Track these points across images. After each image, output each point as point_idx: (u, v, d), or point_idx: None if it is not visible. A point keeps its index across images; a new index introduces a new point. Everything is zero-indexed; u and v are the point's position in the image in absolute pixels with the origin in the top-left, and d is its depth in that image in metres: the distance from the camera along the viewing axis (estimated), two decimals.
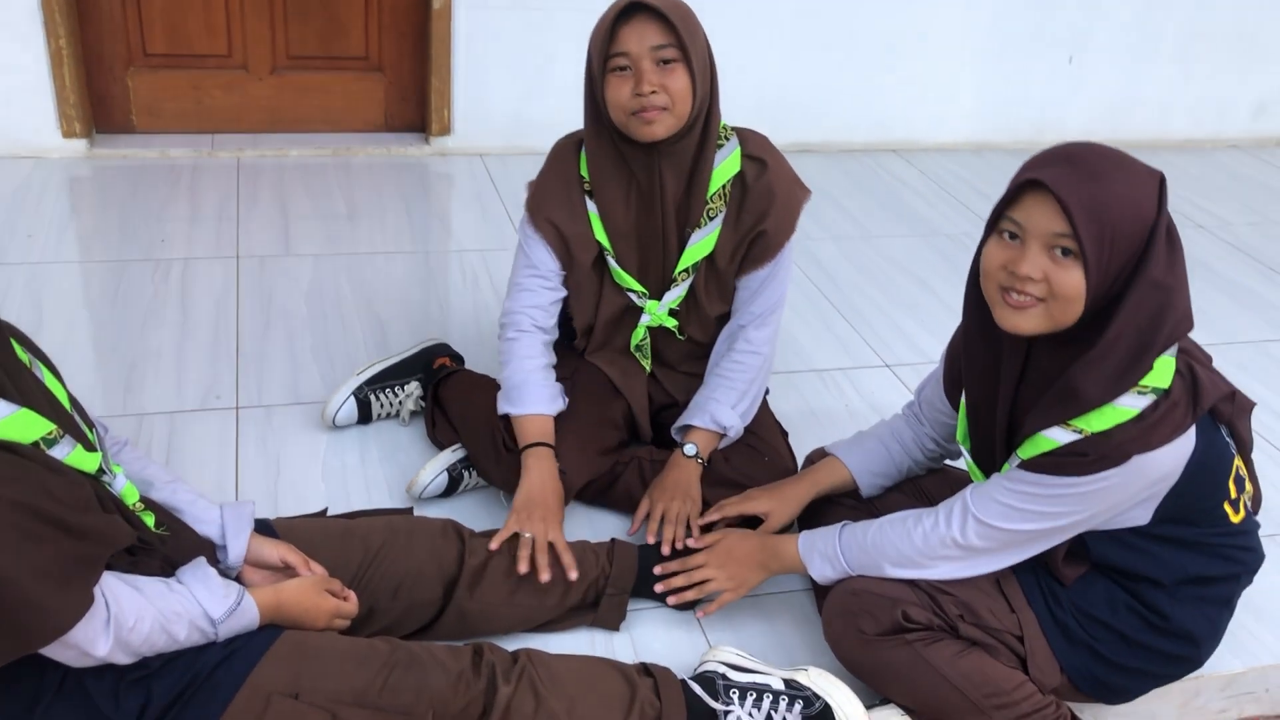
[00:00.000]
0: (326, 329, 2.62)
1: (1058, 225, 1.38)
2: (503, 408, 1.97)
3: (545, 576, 1.76)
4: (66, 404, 1.42)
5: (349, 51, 3.58)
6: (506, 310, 2.03)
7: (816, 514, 1.92)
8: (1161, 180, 1.41)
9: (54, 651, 1.30)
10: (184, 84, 3.51)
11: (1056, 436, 1.45)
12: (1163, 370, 1.44)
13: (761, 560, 1.78)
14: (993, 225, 1.47)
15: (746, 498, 1.92)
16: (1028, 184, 1.40)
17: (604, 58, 1.76)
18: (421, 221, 3.25)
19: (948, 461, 1.94)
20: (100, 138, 3.49)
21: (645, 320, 2.02)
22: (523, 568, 1.75)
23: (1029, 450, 1.50)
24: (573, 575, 1.78)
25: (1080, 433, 1.44)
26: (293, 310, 2.68)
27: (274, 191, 3.31)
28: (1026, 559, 1.60)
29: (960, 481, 1.90)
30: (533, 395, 1.95)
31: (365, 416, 2.26)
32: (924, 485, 1.92)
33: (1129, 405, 1.42)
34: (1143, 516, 1.54)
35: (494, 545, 1.78)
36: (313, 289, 2.79)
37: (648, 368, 2.09)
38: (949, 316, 2.92)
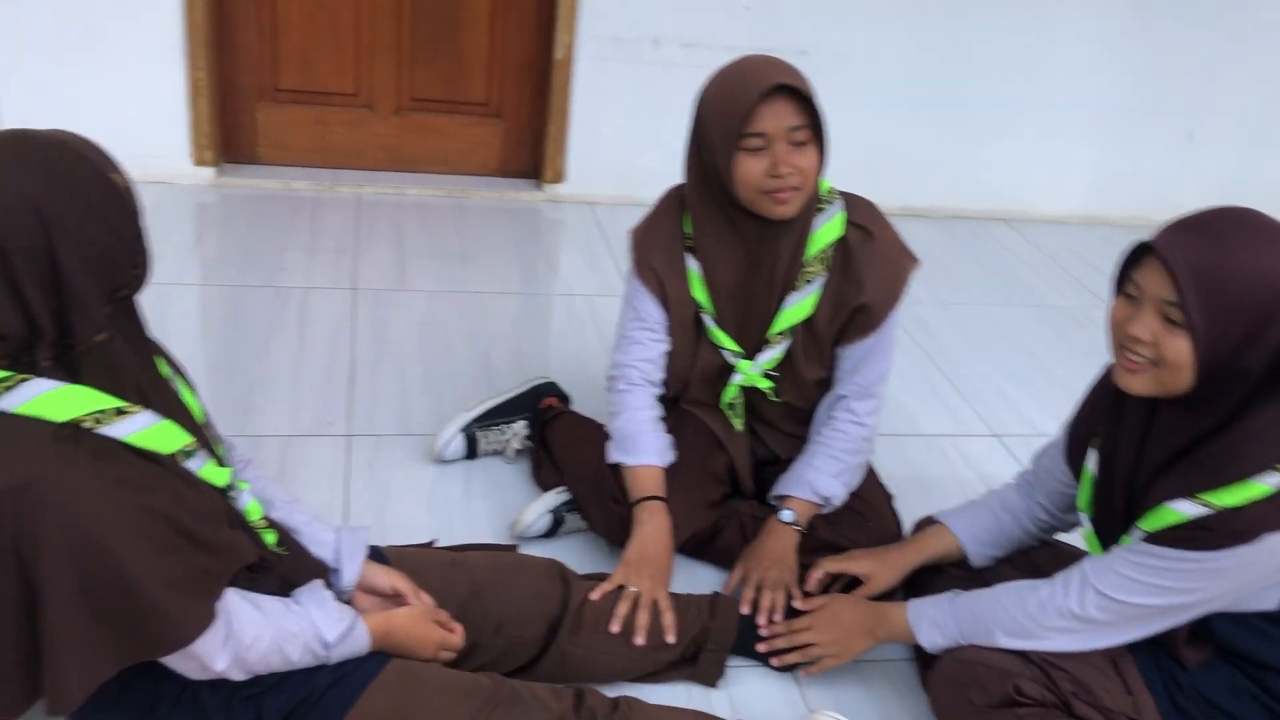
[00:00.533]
0: (436, 364, 2.66)
1: (1167, 292, 1.37)
2: (614, 456, 1.97)
3: (640, 640, 1.75)
4: (201, 419, 1.47)
5: (470, 96, 3.67)
6: (616, 363, 2.03)
7: (923, 582, 1.88)
8: None
9: (174, 662, 1.32)
10: (310, 119, 3.63)
11: (1184, 509, 1.41)
12: None
13: (868, 626, 1.75)
14: (1119, 283, 1.47)
15: (849, 557, 1.89)
16: (1147, 246, 1.40)
17: (736, 134, 1.73)
18: (531, 265, 3.30)
19: (1059, 535, 1.90)
20: (228, 167, 3.61)
21: (737, 380, 2.00)
22: (615, 627, 1.74)
23: (1153, 522, 1.45)
24: (670, 639, 1.77)
25: (1210, 507, 1.39)
26: (405, 344, 2.73)
27: (391, 228, 3.39)
28: (1145, 639, 1.55)
29: (1072, 555, 1.85)
30: (646, 446, 1.95)
31: (472, 452, 2.28)
32: (1035, 558, 1.87)
33: (1264, 483, 1.38)
34: (1271, 600, 1.48)
35: (596, 595, 1.78)
36: (425, 324, 2.84)
37: (738, 427, 2.07)
38: (1058, 390, 2.87)
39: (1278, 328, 1.34)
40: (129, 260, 1.30)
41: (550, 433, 2.21)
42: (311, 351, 2.65)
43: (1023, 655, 1.58)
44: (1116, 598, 1.49)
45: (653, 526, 1.88)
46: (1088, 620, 1.53)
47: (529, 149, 3.79)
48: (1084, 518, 1.65)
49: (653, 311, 1.98)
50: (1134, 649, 1.58)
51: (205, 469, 1.39)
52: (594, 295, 3.13)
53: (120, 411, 1.27)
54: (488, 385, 2.57)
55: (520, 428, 2.29)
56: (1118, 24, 3.86)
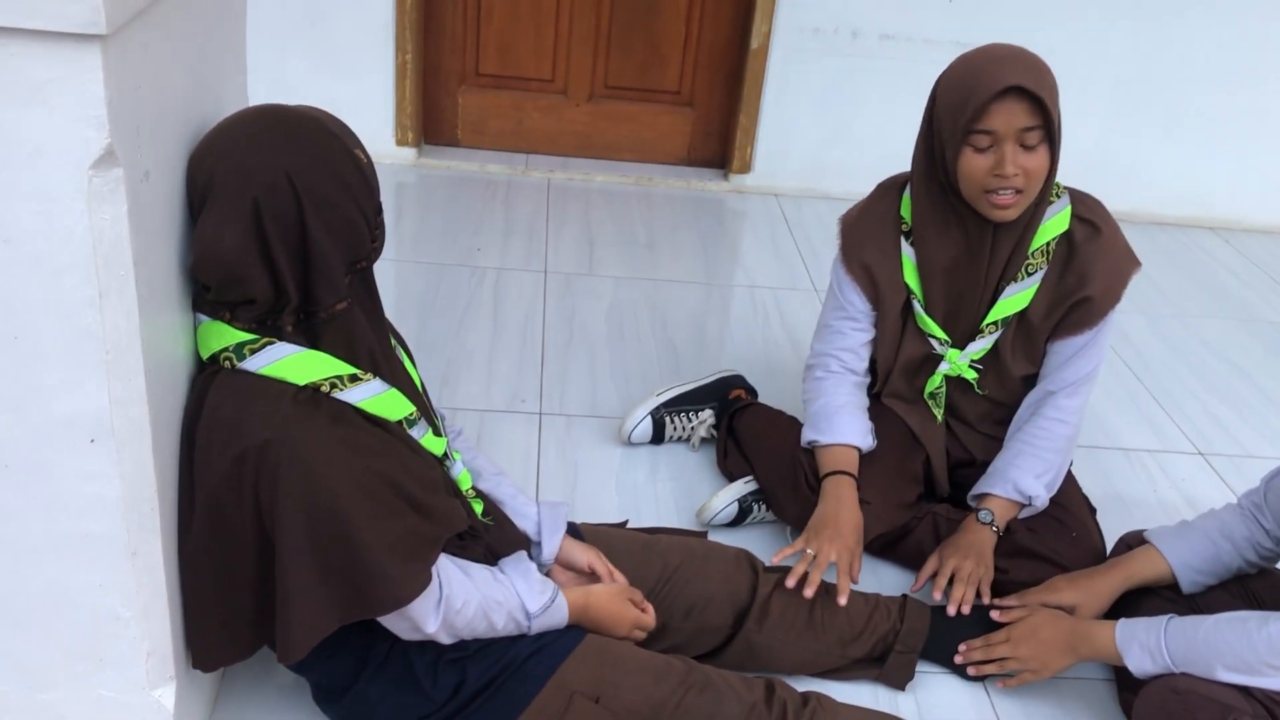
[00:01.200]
0: (624, 348, 2.69)
1: None
2: (809, 436, 1.96)
3: (809, 592, 1.73)
4: (421, 389, 1.52)
5: (664, 85, 3.70)
6: (815, 352, 2.03)
7: (1127, 603, 1.80)
8: None
9: (389, 621, 1.38)
10: (508, 104, 3.71)
11: None
12: None
13: (1071, 644, 1.68)
14: None
15: (1050, 589, 1.81)
16: None
17: (966, 129, 1.70)
18: (716, 255, 3.30)
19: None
20: (428, 148, 3.73)
21: (944, 369, 1.97)
22: (790, 582, 1.74)
23: None
24: (842, 600, 1.74)
25: None
26: (594, 327, 2.78)
27: (580, 213, 3.45)
28: None
29: None
30: (844, 425, 1.94)
31: (659, 437, 2.30)
32: (1253, 587, 1.77)
33: None
34: None
35: (775, 559, 1.80)
36: (612, 309, 2.88)
37: (939, 417, 2.03)
38: (1270, 409, 2.72)
39: None
40: (369, 233, 1.35)
41: (739, 422, 2.21)
42: (505, 330, 2.72)
43: (1244, 690, 1.50)
44: None
45: (836, 498, 1.87)
46: None
47: (717, 139, 3.79)
48: None
49: (856, 301, 1.96)
50: None
51: (426, 437, 1.45)
52: (778, 288, 3.11)
53: (355, 378, 1.33)
54: (672, 372, 2.59)
55: (708, 416, 2.30)
56: None
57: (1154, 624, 1.61)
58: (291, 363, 1.30)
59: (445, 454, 1.50)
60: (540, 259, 3.11)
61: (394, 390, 1.39)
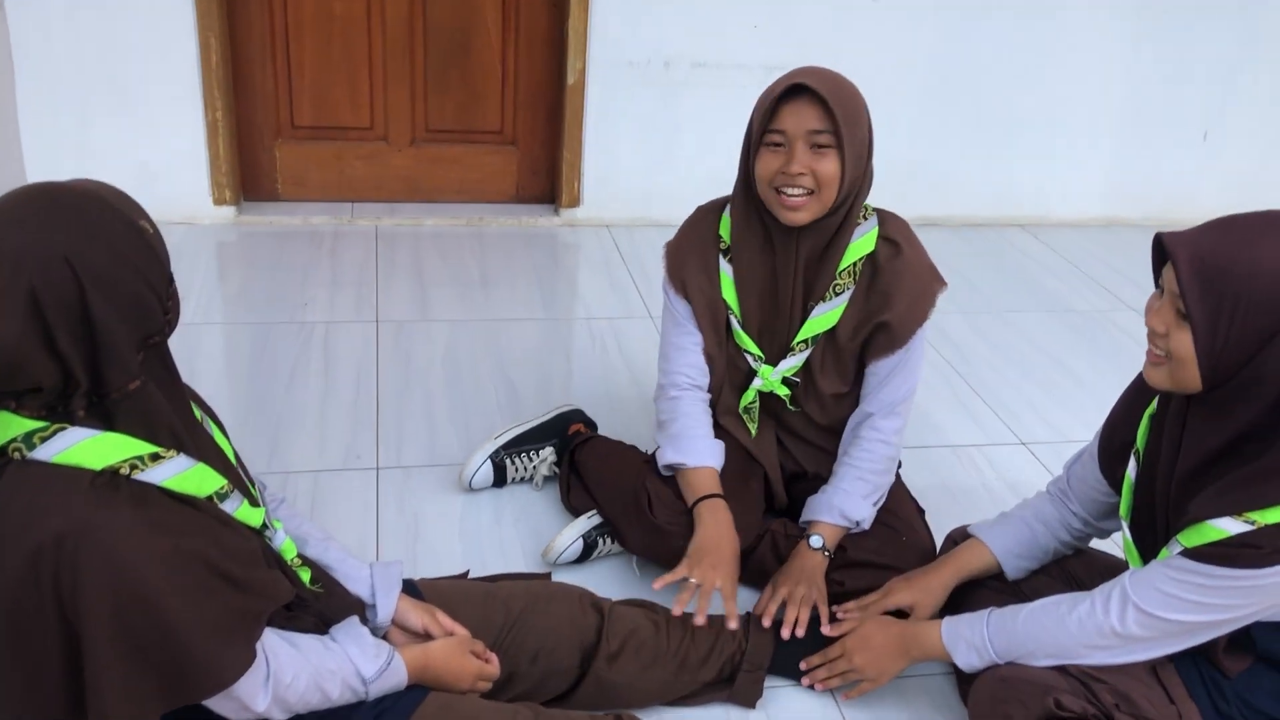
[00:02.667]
0: (462, 392, 2.67)
1: (1173, 284, 1.37)
2: (670, 459, 1.97)
3: (700, 620, 1.76)
4: (233, 460, 1.48)
5: (485, 125, 3.70)
6: (664, 371, 2.05)
7: (959, 597, 1.87)
8: None
9: (215, 703, 1.33)
10: (327, 155, 3.66)
11: (1226, 526, 1.39)
12: None
13: (902, 647, 1.74)
14: (1155, 277, 1.47)
15: (888, 591, 1.87)
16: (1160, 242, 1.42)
17: (762, 130, 1.78)
18: (551, 290, 3.31)
19: (1094, 543, 1.89)
20: (247, 205, 3.65)
21: (757, 384, 2.01)
22: (676, 610, 1.76)
23: (1193, 538, 1.44)
24: (732, 625, 1.77)
25: (1252, 524, 1.38)
26: (430, 374, 2.75)
27: (411, 259, 3.41)
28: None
29: (1107, 565, 1.84)
30: (705, 448, 1.97)
31: (500, 480, 2.29)
32: (1070, 568, 1.86)
33: None
34: None
35: (658, 585, 1.80)
36: (449, 353, 2.86)
37: (753, 432, 2.07)
38: (1084, 394, 2.86)
39: None
40: (160, 307, 1.31)
41: (581, 455, 2.22)
42: (337, 385, 2.67)
43: (1062, 669, 1.57)
44: (1158, 614, 1.48)
45: (714, 522, 1.89)
46: (1128, 637, 1.52)
47: (544, 174, 3.81)
48: (1124, 526, 1.64)
49: (689, 315, 2.00)
50: (1174, 658, 1.56)
51: (240, 510, 1.40)
52: (615, 318, 3.14)
53: (156, 457, 1.28)
54: (513, 412, 2.58)
55: (548, 454, 2.30)
56: (1130, 28, 3.86)
57: (976, 620, 1.67)
58: (86, 447, 1.24)
59: (264, 524, 1.45)
60: (371, 308, 3.07)
61: (201, 465, 1.34)
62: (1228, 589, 1.42)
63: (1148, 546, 1.59)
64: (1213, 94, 4.02)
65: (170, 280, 1.33)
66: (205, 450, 1.38)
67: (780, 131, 1.77)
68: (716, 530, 1.88)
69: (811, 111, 1.75)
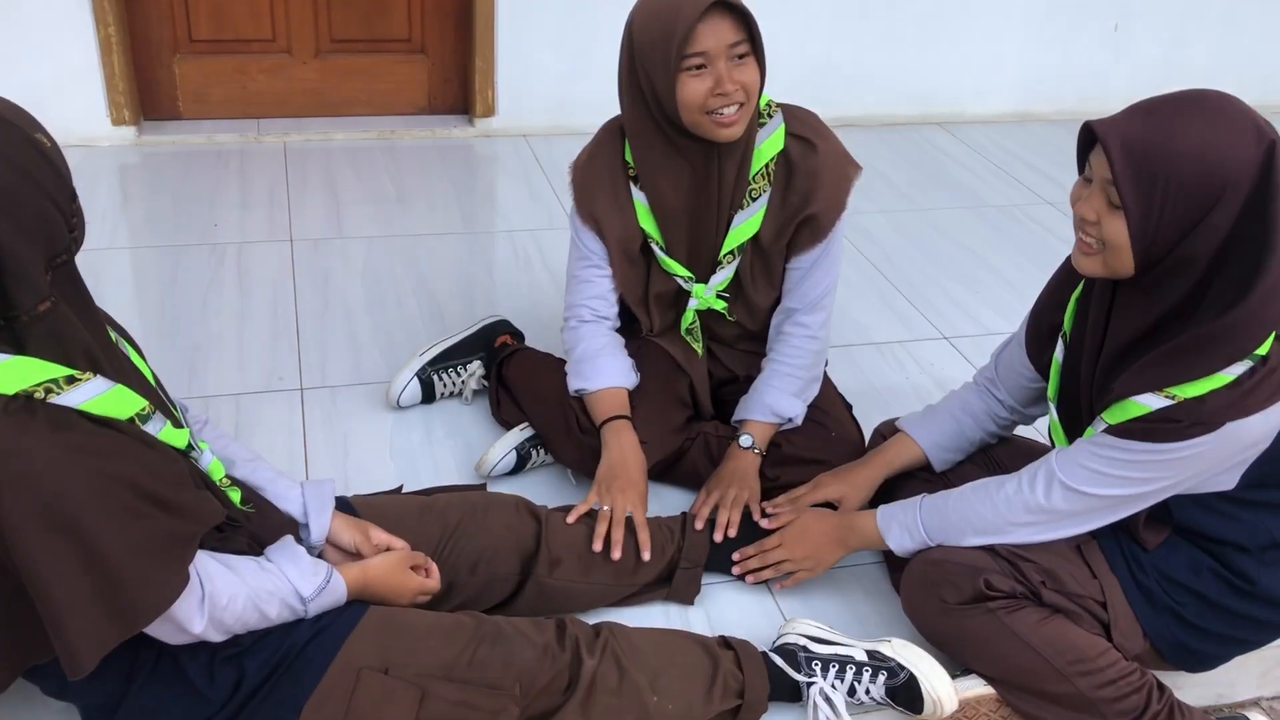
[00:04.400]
0: (384, 310, 2.63)
1: (1106, 171, 1.37)
2: (575, 385, 1.97)
3: (616, 554, 1.77)
4: (152, 381, 1.44)
5: (392, 34, 3.58)
6: (567, 304, 2.03)
7: (889, 489, 1.91)
8: (1271, 147, 1.33)
9: (154, 628, 1.31)
10: (229, 69, 3.52)
11: (1147, 402, 1.43)
12: None
13: (839, 537, 1.77)
14: (1080, 164, 1.47)
15: (817, 485, 1.91)
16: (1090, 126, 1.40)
17: (678, 56, 1.69)
18: (470, 203, 3.25)
19: (1019, 430, 1.93)
20: (148, 125, 3.50)
21: (693, 304, 2.00)
22: (596, 545, 1.76)
23: (1117, 415, 1.48)
24: (646, 555, 1.79)
25: (1173, 399, 1.42)
26: (349, 292, 2.69)
27: (322, 175, 3.32)
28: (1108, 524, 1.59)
29: (1030, 450, 1.89)
30: (605, 368, 1.95)
31: (429, 396, 2.27)
32: (996, 455, 1.90)
33: (1225, 371, 1.40)
34: (1229, 481, 1.52)
35: (571, 518, 1.79)
36: (368, 271, 2.80)
37: (699, 351, 2.08)
38: (1003, 287, 2.91)
39: (1220, 213, 1.34)
40: (65, 224, 1.25)
41: (508, 370, 2.20)
42: (254, 307, 2.60)
43: (990, 550, 1.61)
44: (1083, 490, 1.52)
45: (618, 445, 1.89)
46: (1054, 512, 1.56)
47: (457, 84, 3.71)
48: (1051, 408, 1.67)
49: (597, 248, 1.97)
50: (1097, 534, 1.62)
51: (164, 431, 1.36)
52: (538, 229, 3.10)
53: (71, 379, 1.24)
54: (438, 328, 2.54)
55: (476, 368, 2.27)
56: None
57: (909, 504, 1.71)
58: None
59: (190, 445, 1.42)
60: (284, 228, 2.99)
61: (119, 387, 1.30)
62: (1148, 463, 1.46)
63: (1074, 428, 1.63)
64: None
65: (73, 196, 1.28)
66: (123, 372, 1.34)
67: (702, 54, 1.69)
68: (621, 453, 1.88)
69: (727, 24, 1.69)
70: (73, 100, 3.31)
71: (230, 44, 3.49)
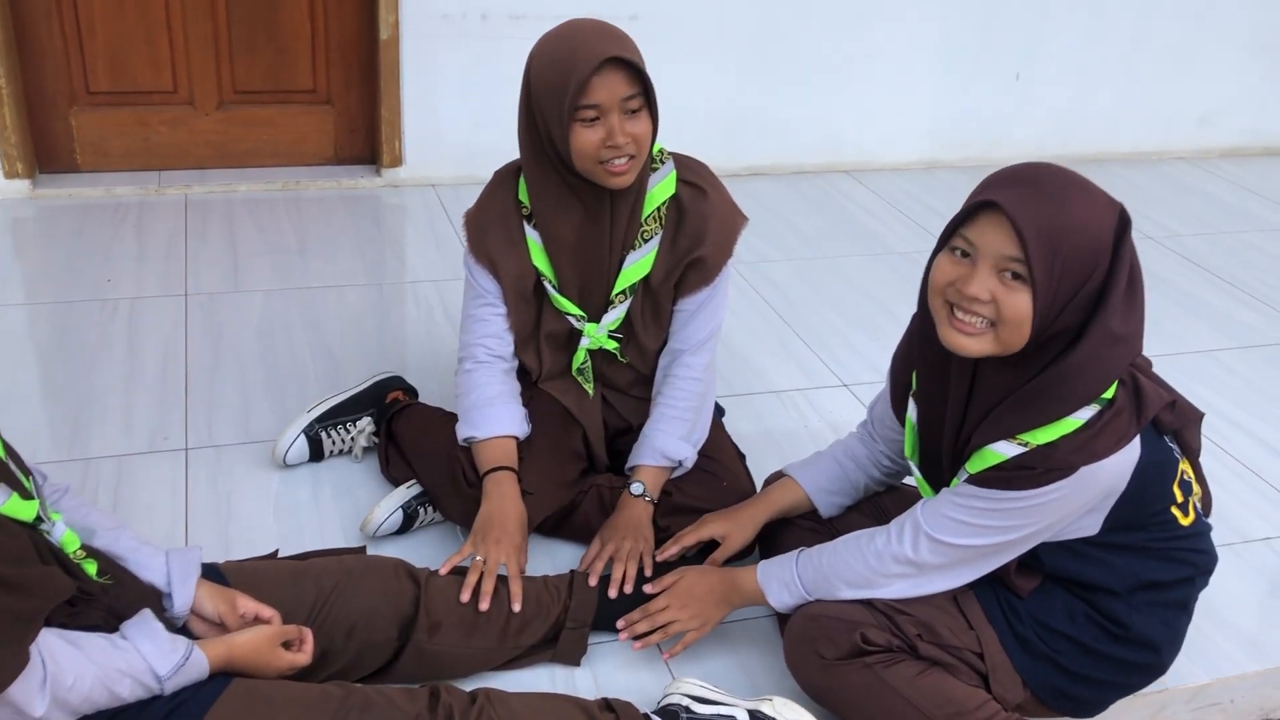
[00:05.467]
0: (278, 365, 2.58)
1: (1009, 249, 1.36)
2: (464, 433, 1.95)
3: (484, 605, 1.73)
4: (0, 452, 1.38)
5: (296, 85, 3.56)
6: (462, 344, 2.02)
7: (775, 538, 1.91)
8: (1122, 213, 1.40)
9: None
10: (129, 121, 3.46)
11: (1003, 450, 1.46)
12: None
13: (723, 594, 1.76)
14: (945, 241, 1.46)
15: (701, 524, 1.90)
16: (984, 204, 1.39)
17: (572, 107, 1.71)
18: (374, 254, 3.22)
19: (906, 480, 1.94)
20: (44, 177, 3.43)
21: (585, 344, 2.01)
22: (464, 596, 1.73)
23: (976, 465, 1.49)
24: (516, 606, 1.75)
25: (1026, 445, 1.44)
26: (243, 347, 2.64)
27: (223, 227, 3.27)
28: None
29: (916, 499, 1.89)
30: (496, 417, 1.94)
31: (317, 454, 2.22)
32: (883, 503, 1.91)
33: (1074, 416, 1.43)
34: (1092, 526, 1.54)
35: (444, 570, 1.77)
36: (263, 325, 2.75)
37: (590, 391, 2.08)
38: (901, 332, 2.93)
39: (1094, 280, 1.38)
40: None
41: (398, 425, 2.17)
42: (143, 364, 2.54)
43: (868, 604, 1.61)
44: (947, 541, 1.53)
45: (498, 495, 1.87)
46: (923, 565, 1.57)
47: (363, 134, 3.69)
48: (911, 464, 1.69)
49: (491, 286, 1.97)
50: (972, 585, 1.62)
51: (8, 504, 1.32)
52: (441, 280, 3.07)
53: None
54: (334, 383, 2.50)
55: (366, 424, 2.23)
56: None
57: (787, 559, 1.71)
58: None
59: (39, 517, 1.37)
60: (180, 281, 2.93)
61: None
62: (1008, 510, 1.48)
63: (937, 482, 1.64)
64: (1023, 36, 4.14)
65: None
66: None
67: (595, 106, 1.72)
68: (500, 504, 1.86)
69: (620, 78, 1.71)
70: None
71: (130, 95, 3.44)
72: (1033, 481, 1.43)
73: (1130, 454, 1.45)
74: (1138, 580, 1.57)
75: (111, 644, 1.36)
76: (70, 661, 1.30)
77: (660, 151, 1.92)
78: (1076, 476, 1.42)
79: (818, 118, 4.05)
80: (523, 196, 1.93)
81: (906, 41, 4.02)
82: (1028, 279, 1.36)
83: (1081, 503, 1.47)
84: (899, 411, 1.75)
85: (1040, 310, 1.37)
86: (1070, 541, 1.55)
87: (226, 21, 3.41)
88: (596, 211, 1.88)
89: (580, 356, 2.03)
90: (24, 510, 1.34)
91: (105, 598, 1.43)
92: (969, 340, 1.43)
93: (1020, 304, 1.37)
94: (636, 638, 1.79)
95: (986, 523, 1.50)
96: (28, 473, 1.44)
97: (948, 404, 1.55)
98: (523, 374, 2.09)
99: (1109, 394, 1.43)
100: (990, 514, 1.49)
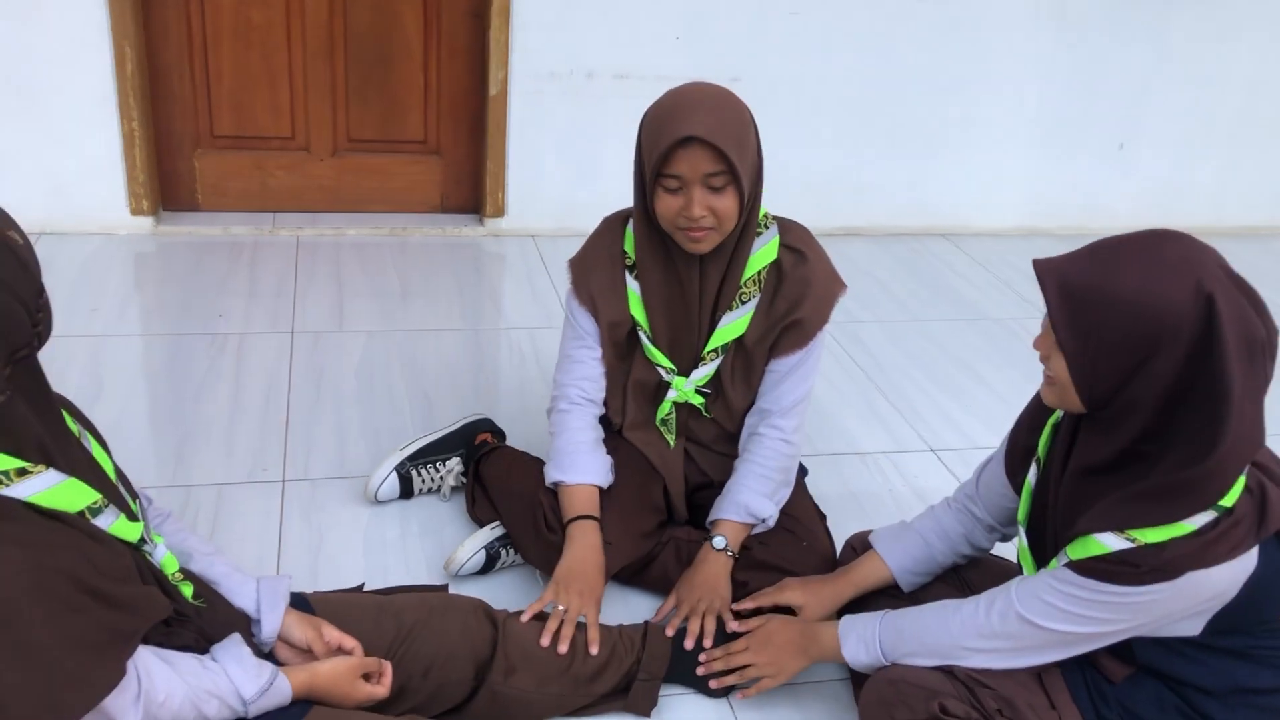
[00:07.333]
0: (375, 404, 2.66)
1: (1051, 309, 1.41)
2: (553, 476, 1.99)
3: (563, 648, 1.76)
4: (112, 475, 1.46)
5: (407, 135, 3.69)
6: (558, 383, 2.06)
7: (857, 600, 1.89)
8: (1204, 293, 1.31)
9: None
10: (248, 164, 3.63)
11: (1108, 542, 1.42)
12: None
13: (802, 646, 1.76)
14: None
15: (782, 588, 1.90)
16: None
17: (656, 173, 1.77)
18: (473, 300, 3.31)
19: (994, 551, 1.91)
20: (166, 215, 3.61)
21: (672, 396, 2.04)
22: (544, 640, 1.76)
23: (1078, 551, 1.46)
24: (594, 650, 1.78)
25: (1133, 541, 1.40)
26: (343, 385, 2.73)
27: (331, 269, 3.39)
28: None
29: (1002, 570, 1.87)
30: (586, 465, 1.98)
31: (407, 492, 2.28)
32: (966, 575, 1.88)
33: (1187, 521, 1.38)
34: (1194, 628, 1.48)
35: (525, 617, 1.79)
36: (363, 365, 2.84)
37: (672, 443, 2.10)
38: (995, 402, 2.91)
39: (1162, 361, 1.34)
40: (29, 320, 1.29)
41: (485, 467, 2.22)
42: (247, 397, 2.64)
43: (948, 673, 1.59)
44: (1039, 623, 1.50)
45: (582, 544, 1.90)
46: (1007, 639, 1.54)
47: (469, 185, 3.80)
48: (1020, 531, 1.66)
49: (590, 328, 2.02)
50: (1062, 663, 1.59)
51: (115, 525, 1.39)
52: (536, 328, 3.14)
53: (22, 472, 1.27)
54: (427, 424, 2.57)
55: (455, 464, 2.29)
56: (1049, 39, 3.93)
57: (871, 618, 1.70)
58: None
59: (143, 539, 1.44)
60: (288, 319, 3.05)
61: (72, 480, 1.32)
62: (1104, 603, 1.44)
63: (1041, 555, 1.61)
64: (1127, 106, 4.11)
65: (40, 292, 1.32)
66: (79, 464, 1.37)
67: (677, 176, 1.76)
68: (583, 554, 1.89)
69: (704, 155, 1.74)
70: (94, 190, 3.42)
71: (251, 140, 3.61)
72: (1135, 579, 1.40)
73: (1245, 564, 1.40)
74: (1234, 683, 1.50)
75: (202, 665, 1.42)
76: (163, 679, 1.35)
77: (765, 216, 1.95)
78: (1182, 581, 1.38)
79: (913, 182, 4.05)
80: (628, 246, 1.99)
81: (1006, 107, 4.00)
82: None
83: (1183, 606, 1.43)
84: (1012, 474, 1.73)
85: (1076, 376, 1.40)
86: (1168, 639, 1.50)
87: (344, 73, 3.56)
88: (685, 273, 1.93)
89: (665, 408, 2.06)
90: (130, 531, 1.41)
91: (198, 620, 1.49)
92: (1045, 389, 1.51)
93: (1060, 367, 1.42)
94: (713, 675, 1.80)
95: (1081, 611, 1.46)
96: (135, 496, 1.51)
97: (1052, 471, 1.56)
98: (604, 420, 2.13)
99: (1229, 499, 1.38)
100: (1086, 604, 1.45)
